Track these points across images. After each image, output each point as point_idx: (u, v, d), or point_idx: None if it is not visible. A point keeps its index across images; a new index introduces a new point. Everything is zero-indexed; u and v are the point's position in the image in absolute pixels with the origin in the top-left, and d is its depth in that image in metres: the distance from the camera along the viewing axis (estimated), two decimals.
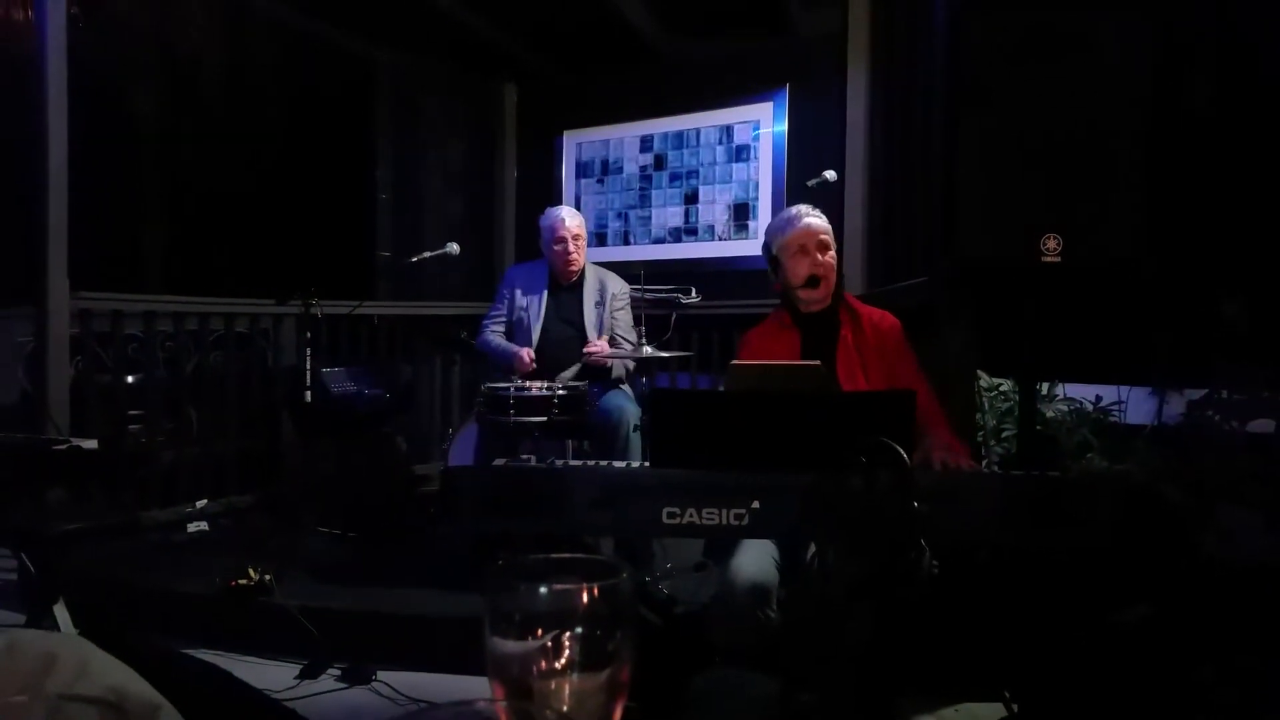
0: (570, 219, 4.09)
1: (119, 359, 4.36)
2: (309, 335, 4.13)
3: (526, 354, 3.95)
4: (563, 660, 0.62)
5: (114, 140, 4.67)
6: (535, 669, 0.61)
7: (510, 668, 0.61)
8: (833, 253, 2.70)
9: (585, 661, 0.62)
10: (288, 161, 5.36)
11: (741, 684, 1.99)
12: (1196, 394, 2.98)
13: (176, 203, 5.07)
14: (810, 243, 2.67)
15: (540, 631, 0.62)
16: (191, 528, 4.35)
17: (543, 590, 0.62)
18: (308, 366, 4.09)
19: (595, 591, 0.62)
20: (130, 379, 4.44)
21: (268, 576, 3.35)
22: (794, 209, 2.78)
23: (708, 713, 1.92)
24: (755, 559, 2.24)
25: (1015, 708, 2.47)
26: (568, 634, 0.62)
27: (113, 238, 4.77)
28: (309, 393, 4.10)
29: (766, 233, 2.87)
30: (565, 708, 0.61)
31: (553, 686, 0.61)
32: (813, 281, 2.66)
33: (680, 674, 2.20)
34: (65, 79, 3.96)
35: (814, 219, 2.72)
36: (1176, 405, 3.11)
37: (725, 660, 2.17)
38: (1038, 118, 2.43)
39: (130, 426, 4.38)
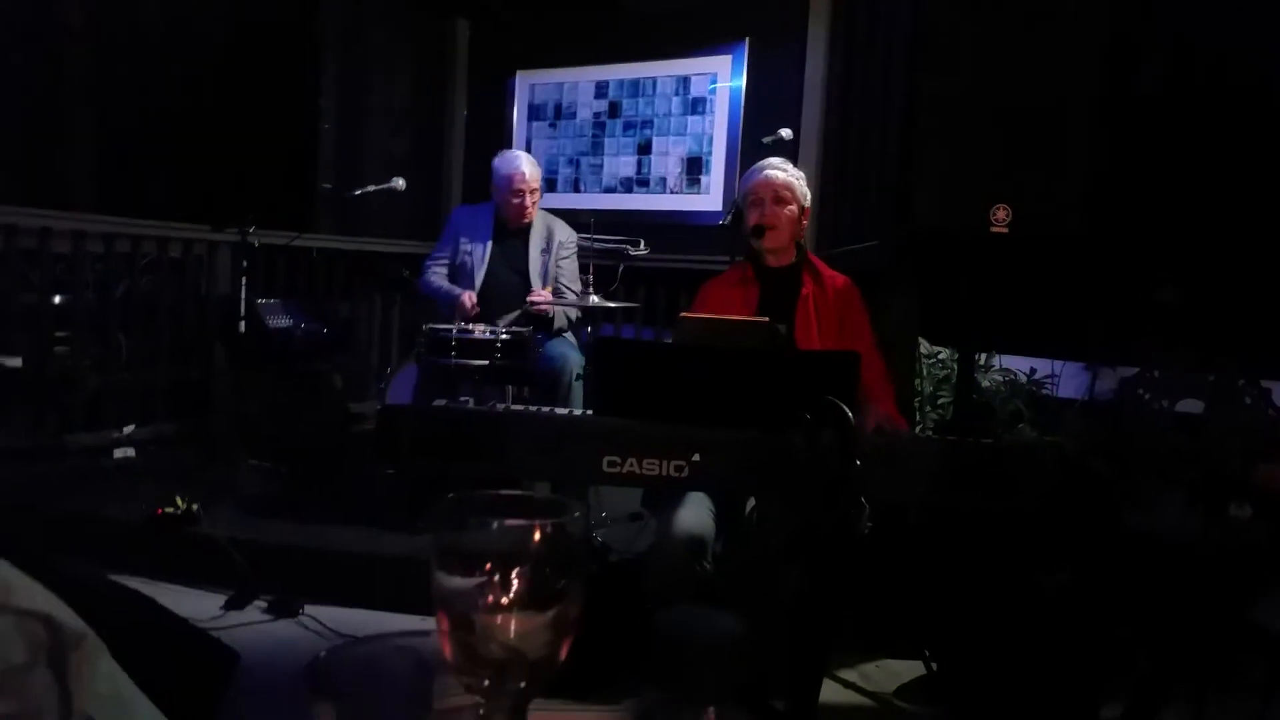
0: (530, 171, 3.99)
1: (46, 278, 4.20)
2: (245, 264, 4.02)
3: (469, 298, 3.89)
4: (509, 597, 0.61)
5: (48, 50, 4.44)
6: (482, 604, 0.60)
7: (456, 601, 0.60)
8: (792, 207, 2.70)
9: (532, 599, 0.61)
10: (228, 83, 5.16)
11: (704, 620, 2.01)
12: (1128, 372, 3.06)
13: (111, 119, 4.85)
14: (766, 194, 2.69)
15: (489, 566, 0.60)
16: (118, 453, 4.25)
17: (494, 525, 0.61)
18: (243, 297, 3.99)
19: (547, 529, 0.61)
20: (57, 299, 4.29)
21: (195, 506, 3.32)
22: (765, 160, 2.80)
23: (671, 650, 1.94)
24: (693, 512, 2.26)
25: (934, 666, 2.54)
26: (516, 570, 0.61)
27: (44, 151, 4.55)
28: (243, 324, 4.01)
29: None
30: (510, 642, 0.60)
31: (499, 621, 0.60)
32: (758, 231, 2.68)
33: (611, 623, 2.22)
34: None
35: (776, 171, 2.73)
36: (1108, 381, 3.19)
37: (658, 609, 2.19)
38: (996, 89, 2.45)
39: (56, 348, 4.24)
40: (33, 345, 4.07)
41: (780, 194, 2.70)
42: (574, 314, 4.05)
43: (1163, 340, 2.96)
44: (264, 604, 2.99)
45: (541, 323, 3.91)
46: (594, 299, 3.71)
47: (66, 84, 4.58)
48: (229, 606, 2.96)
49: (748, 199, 2.75)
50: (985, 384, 3.43)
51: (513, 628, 0.61)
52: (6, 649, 0.67)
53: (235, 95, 5.15)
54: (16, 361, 2.63)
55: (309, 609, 2.94)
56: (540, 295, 3.89)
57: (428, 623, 0.61)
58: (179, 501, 3.30)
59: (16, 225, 4.03)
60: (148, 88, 4.91)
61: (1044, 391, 3.46)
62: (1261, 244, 2.99)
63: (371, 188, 4.45)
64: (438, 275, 4.12)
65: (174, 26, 5.06)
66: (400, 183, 4.41)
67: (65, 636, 0.74)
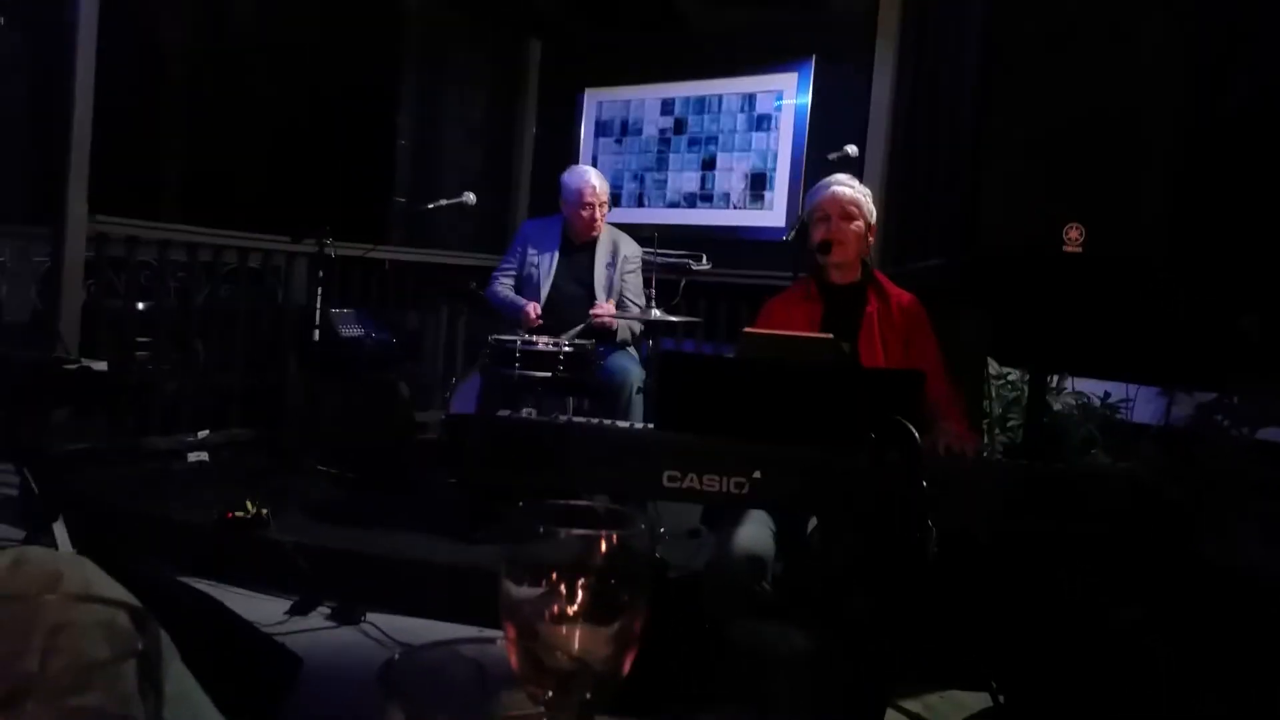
0: (600, 185, 4.04)
1: (131, 285, 4.36)
2: (321, 275, 4.11)
3: (533, 309, 3.94)
4: (574, 607, 0.62)
5: (142, 67, 4.61)
6: (547, 614, 0.61)
7: (523, 610, 0.61)
8: (858, 223, 2.69)
9: (597, 611, 0.62)
10: (311, 101, 5.31)
11: (778, 635, 2.00)
12: (1206, 397, 2.97)
13: (199, 133, 5.03)
14: (833, 210, 2.68)
15: (555, 576, 0.61)
16: (192, 457, 4.37)
17: (561, 535, 0.62)
18: (317, 306, 4.09)
19: (613, 541, 0.62)
20: (141, 306, 4.44)
21: (264, 511, 3.36)
22: (832, 176, 2.79)
23: (743, 664, 1.93)
24: (753, 530, 2.24)
25: (1001, 699, 2.48)
26: (581, 581, 0.62)
27: (134, 164, 4.72)
28: (317, 332, 4.10)
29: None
30: (574, 653, 0.61)
31: (563, 632, 0.61)
32: (824, 247, 2.66)
33: (669, 640, 2.22)
34: (98, 2, 3.94)
35: (842, 188, 2.71)
36: (1185, 407, 3.09)
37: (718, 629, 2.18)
38: (1070, 105, 2.40)
39: (138, 353, 4.39)
40: (116, 350, 4.21)
41: (847, 209, 2.68)
42: (637, 328, 4.07)
43: (1243, 366, 2.86)
44: (328, 610, 3.02)
45: (604, 336, 3.93)
46: (656, 313, 3.72)
47: (159, 100, 4.75)
48: (293, 612, 3.00)
49: (814, 215, 2.73)
50: (1057, 407, 3.35)
51: (577, 639, 0.61)
52: (91, 642, 0.70)
53: (318, 111, 5.28)
54: (103, 365, 2.74)
55: (371, 617, 2.97)
56: (603, 309, 3.92)
57: (492, 632, 0.62)
58: (249, 506, 3.35)
59: (107, 234, 4.19)
60: (235, 104, 5.07)
61: (1118, 416, 3.37)
62: None
63: (443, 202, 4.53)
64: (504, 286, 4.18)
65: (261, 45, 5.22)
66: (470, 197, 4.49)
67: (155, 632, 0.76)
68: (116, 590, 0.78)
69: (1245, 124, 2.84)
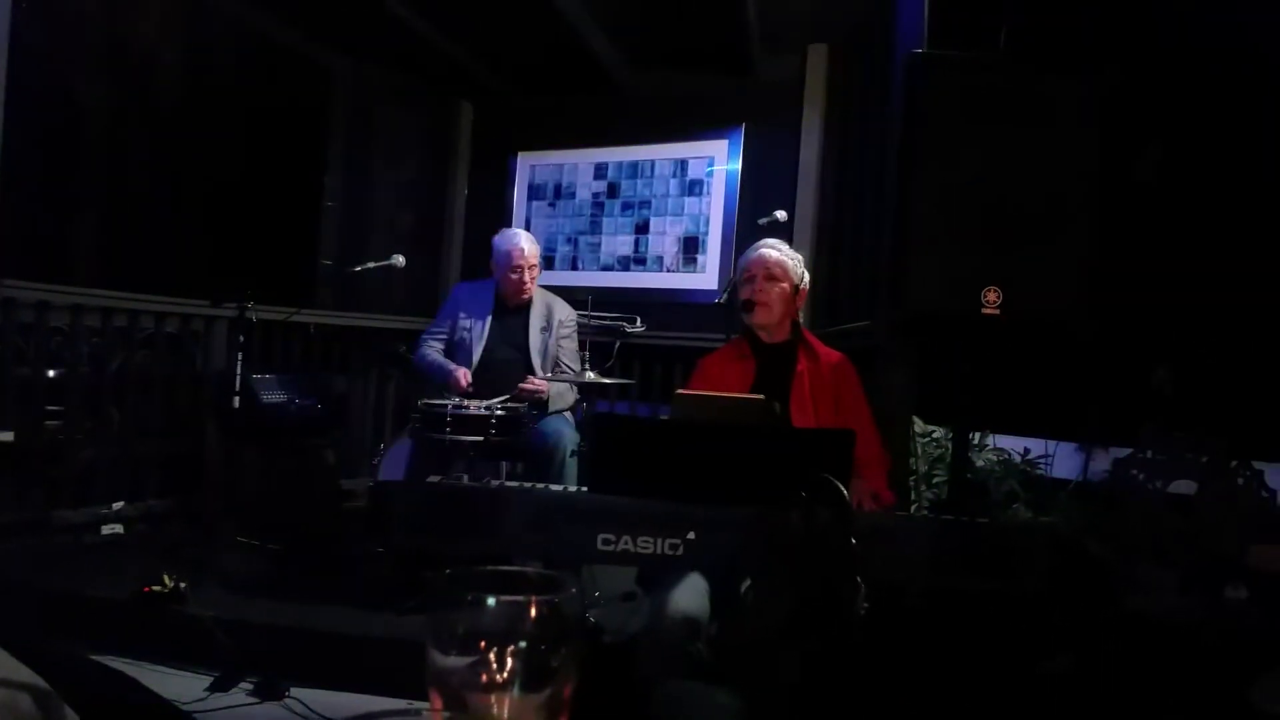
0: (529, 247, 4.04)
1: (41, 351, 4.20)
2: (241, 339, 4.03)
3: (464, 375, 3.90)
4: (504, 675, 0.60)
5: (54, 127, 4.51)
6: (476, 682, 0.60)
7: (450, 680, 0.60)
8: (784, 285, 2.76)
9: (527, 678, 0.60)
10: (234, 161, 5.23)
11: (704, 696, 1.98)
12: (1122, 452, 3.07)
13: (115, 194, 4.91)
14: (758, 271, 2.76)
15: (483, 644, 0.60)
16: (105, 530, 4.19)
17: (490, 602, 0.61)
18: (238, 372, 3.99)
19: (542, 606, 0.61)
20: (51, 373, 4.27)
21: (182, 585, 3.24)
22: (762, 240, 2.89)
23: None
24: (688, 591, 2.23)
25: None
26: (510, 648, 0.60)
27: (46, 226, 4.58)
28: (237, 399, 4.00)
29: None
30: None
31: (492, 701, 0.60)
32: (746, 306, 2.73)
33: (604, 706, 2.18)
34: (5, 59, 3.84)
35: (769, 251, 2.80)
36: (1102, 462, 3.19)
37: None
38: (988, 175, 2.50)
39: (48, 422, 4.21)
40: (24, 420, 4.04)
41: (772, 272, 2.76)
42: (571, 396, 4.05)
43: (1155, 422, 2.97)
44: (249, 686, 2.91)
45: (538, 403, 3.90)
46: (590, 375, 3.72)
47: (73, 159, 4.64)
48: (214, 689, 2.87)
49: (742, 276, 2.81)
50: (980, 463, 3.42)
51: (506, 708, 0.60)
52: None
53: (241, 172, 5.21)
54: (8, 436, 2.61)
55: (295, 692, 2.87)
56: (532, 384, 3.87)
57: (419, 704, 0.61)
58: (165, 580, 3.23)
59: (15, 299, 4.04)
60: (155, 163, 4.98)
61: (1038, 471, 3.46)
62: (1254, 328, 3.03)
63: (371, 264, 4.49)
64: (433, 350, 4.14)
65: (183, 103, 5.15)
66: (400, 259, 4.46)
67: (60, 714, 0.73)
68: (20, 672, 0.75)
69: (1154, 192, 2.98)
